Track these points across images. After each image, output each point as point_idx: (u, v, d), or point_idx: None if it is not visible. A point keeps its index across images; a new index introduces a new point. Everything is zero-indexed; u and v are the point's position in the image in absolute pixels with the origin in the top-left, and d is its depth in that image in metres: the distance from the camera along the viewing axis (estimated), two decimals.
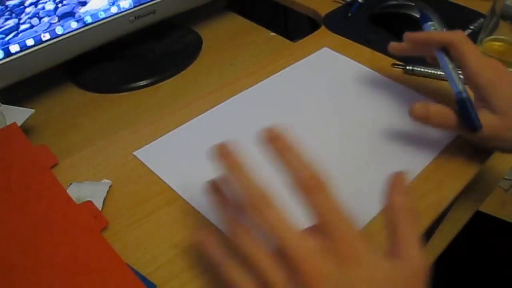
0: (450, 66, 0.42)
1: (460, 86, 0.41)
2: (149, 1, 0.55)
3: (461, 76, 0.42)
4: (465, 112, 0.40)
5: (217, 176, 0.31)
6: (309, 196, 0.26)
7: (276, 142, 0.29)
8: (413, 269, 0.26)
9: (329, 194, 0.27)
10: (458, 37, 0.41)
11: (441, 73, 0.53)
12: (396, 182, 0.30)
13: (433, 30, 0.46)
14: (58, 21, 0.49)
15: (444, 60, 0.43)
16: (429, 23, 0.46)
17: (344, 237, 0.25)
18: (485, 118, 0.39)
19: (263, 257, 0.26)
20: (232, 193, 0.29)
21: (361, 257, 0.25)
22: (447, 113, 0.41)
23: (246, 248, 0.27)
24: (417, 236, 0.28)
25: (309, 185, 0.27)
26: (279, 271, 0.25)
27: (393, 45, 0.48)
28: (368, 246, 0.26)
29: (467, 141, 0.44)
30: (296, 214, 0.26)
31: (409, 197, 0.29)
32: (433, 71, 0.53)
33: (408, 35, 0.45)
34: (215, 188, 0.31)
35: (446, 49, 0.43)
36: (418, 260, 0.27)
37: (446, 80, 0.49)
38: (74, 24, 0.50)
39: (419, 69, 0.53)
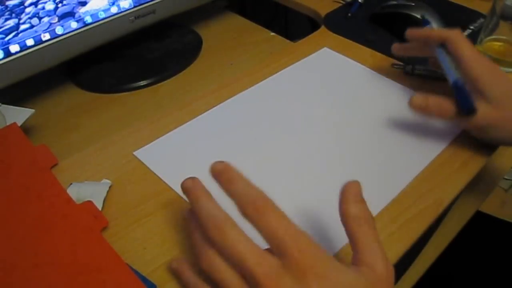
0: (447, 58, 0.45)
1: (456, 74, 0.43)
2: (149, 1, 0.55)
3: (454, 66, 0.44)
4: (460, 96, 0.42)
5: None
6: (256, 219, 0.27)
7: (221, 176, 0.30)
8: (377, 275, 0.27)
9: (276, 213, 0.27)
10: (454, 34, 0.44)
11: (441, 73, 0.53)
12: (348, 191, 0.30)
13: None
14: (58, 21, 0.49)
15: (442, 53, 0.45)
16: (429, 25, 0.49)
17: (298, 252, 0.26)
18: (481, 107, 0.41)
19: (229, 277, 0.27)
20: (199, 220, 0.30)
21: (318, 268, 0.26)
22: (445, 103, 0.43)
23: (212, 270, 0.28)
24: (377, 242, 0.28)
25: (254, 208, 0.27)
26: None
27: (396, 46, 0.51)
28: (326, 256, 0.27)
29: (468, 141, 0.44)
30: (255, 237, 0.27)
31: (364, 205, 0.30)
32: (433, 71, 0.53)
33: (409, 31, 0.48)
34: (191, 216, 0.32)
35: (444, 45, 0.45)
36: (381, 266, 0.27)
37: (445, 80, 0.49)
38: (74, 24, 0.50)
39: (419, 69, 0.53)
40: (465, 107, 0.41)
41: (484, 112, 0.41)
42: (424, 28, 0.48)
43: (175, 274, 0.33)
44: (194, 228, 0.31)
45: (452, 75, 0.44)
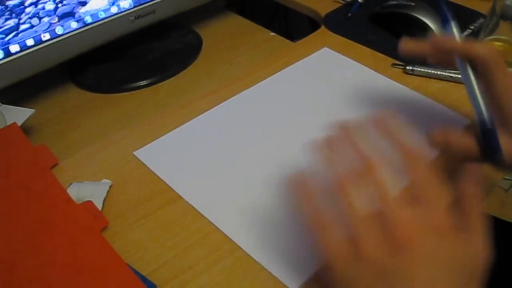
0: (475, 84, 0.38)
1: (486, 114, 0.37)
2: (149, 1, 0.55)
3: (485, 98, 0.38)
4: (488, 145, 0.37)
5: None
6: (411, 168, 0.30)
7: (385, 126, 0.33)
8: (481, 255, 0.29)
9: (427, 168, 0.30)
10: (488, 52, 0.37)
11: (441, 73, 0.53)
12: (472, 171, 0.32)
13: (459, 37, 0.40)
14: (58, 21, 0.49)
15: (469, 75, 0.38)
16: (451, 23, 0.40)
17: (436, 209, 0.28)
18: (507, 144, 0.37)
19: (361, 215, 0.28)
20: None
21: (448, 231, 0.27)
22: (468, 144, 0.39)
23: (346, 201, 0.29)
24: (484, 225, 0.30)
25: (412, 158, 0.30)
26: (373, 230, 0.27)
27: (405, 44, 0.43)
28: (453, 221, 0.28)
29: None
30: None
31: (481, 188, 0.31)
32: (433, 71, 0.53)
33: (433, 40, 0.41)
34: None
35: (470, 60, 0.38)
36: (486, 246, 0.29)
37: (447, 80, 0.49)
38: (74, 24, 0.50)
39: (419, 69, 0.53)
40: (494, 157, 0.37)
41: (507, 147, 0.37)
42: (450, 38, 0.40)
43: (295, 189, 0.32)
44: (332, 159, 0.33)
45: (480, 110, 0.37)
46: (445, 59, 0.41)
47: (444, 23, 0.41)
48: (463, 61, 0.38)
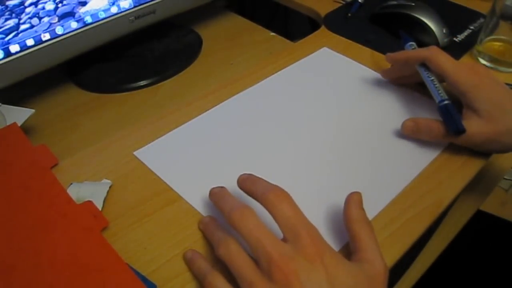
0: (431, 78, 0.45)
1: (441, 95, 0.43)
2: (149, 1, 0.55)
3: (439, 86, 0.44)
4: (446, 117, 0.42)
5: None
6: (276, 205, 0.31)
7: (245, 182, 0.35)
8: (376, 271, 0.30)
9: (292, 204, 0.31)
10: (432, 51, 0.45)
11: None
12: (352, 198, 0.34)
13: (411, 49, 0.49)
14: (58, 21, 0.49)
15: (424, 72, 0.46)
16: (409, 43, 0.50)
17: (310, 239, 0.29)
18: (474, 123, 0.41)
19: (244, 263, 0.30)
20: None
21: (326, 256, 0.29)
22: (434, 124, 0.43)
23: (229, 256, 0.31)
24: (377, 243, 0.32)
25: (274, 195, 0.31)
26: (258, 273, 0.29)
27: (383, 72, 0.53)
28: (331, 248, 0.30)
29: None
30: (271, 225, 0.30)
31: (364, 212, 0.34)
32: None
33: (387, 56, 0.50)
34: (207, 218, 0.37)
35: (425, 64, 0.46)
36: (380, 263, 0.30)
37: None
38: (74, 24, 0.50)
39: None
40: (452, 129, 0.41)
41: (476, 128, 0.41)
42: (402, 51, 0.49)
43: (188, 262, 0.34)
44: (209, 221, 0.36)
45: (436, 95, 0.44)
46: (408, 72, 0.49)
47: (404, 43, 0.51)
48: (418, 65, 0.46)
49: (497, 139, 0.40)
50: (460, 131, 0.40)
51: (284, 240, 0.30)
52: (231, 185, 0.40)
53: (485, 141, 0.41)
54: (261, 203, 0.32)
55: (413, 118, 0.45)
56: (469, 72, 0.42)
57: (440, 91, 0.44)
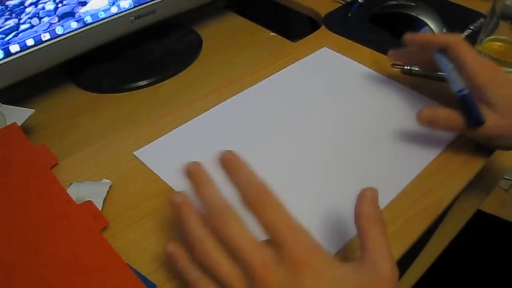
0: (450, 66, 0.44)
1: (461, 84, 0.43)
2: (149, 1, 0.55)
3: (458, 75, 0.43)
4: (467, 108, 0.41)
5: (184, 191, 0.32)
6: (257, 209, 0.28)
7: (228, 164, 0.31)
8: (379, 274, 0.27)
9: (277, 205, 0.28)
10: (455, 39, 0.43)
11: (439, 73, 0.53)
12: (366, 194, 0.31)
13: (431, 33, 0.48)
14: (58, 21, 0.49)
15: (444, 60, 0.44)
16: (426, 27, 0.49)
17: (295, 245, 0.27)
18: (488, 116, 0.40)
19: (225, 267, 0.28)
20: (198, 208, 0.31)
21: (313, 263, 0.26)
22: (453, 115, 0.42)
23: (208, 260, 0.28)
24: (387, 243, 0.29)
25: (256, 198, 0.28)
26: (239, 279, 0.27)
27: (392, 52, 0.50)
28: (322, 251, 0.27)
29: (468, 141, 0.44)
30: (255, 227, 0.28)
31: (379, 209, 0.30)
32: (431, 72, 0.53)
33: (409, 36, 0.47)
34: (185, 200, 0.32)
35: (444, 51, 0.44)
36: (386, 265, 0.27)
37: (444, 81, 0.49)
38: (74, 24, 0.50)
39: (417, 69, 0.53)
40: (473, 120, 0.40)
41: (491, 122, 0.40)
42: (423, 33, 0.48)
43: (170, 258, 0.31)
44: (189, 213, 0.31)
45: (456, 84, 0.43)
46: (422, 57, 0.48)
47: (420, 27, 0.50)
48: (437, 52, 0.45)
49: (507, 133, 0.40)
50: (480, 122, 0.40)
51: (269, 244, 0.28)
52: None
53: (498, 135, 0.41)
54: (241, 201, 0.29)
55: (431, 107, 0.44)
56: (487, 67, 0.42)
57: (459, 80, 0.43)
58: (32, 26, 0.47)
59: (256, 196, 0.28)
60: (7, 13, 0.45)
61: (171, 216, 0.38)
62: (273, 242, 0.27)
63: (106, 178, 0.41)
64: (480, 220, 0.67)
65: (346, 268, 0.27)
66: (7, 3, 0.44)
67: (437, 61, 0.45)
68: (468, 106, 0.41)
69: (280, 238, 0.27)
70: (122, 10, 0.54)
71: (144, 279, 0.33)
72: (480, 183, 0.61)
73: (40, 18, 0.47)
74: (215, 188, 0.30)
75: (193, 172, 0.32)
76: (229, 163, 0.31)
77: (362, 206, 0.30)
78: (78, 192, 0.39)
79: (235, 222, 0.28)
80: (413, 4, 0.60)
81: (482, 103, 0.41)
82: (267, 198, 0.28)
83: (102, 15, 0.52)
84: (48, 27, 0.48)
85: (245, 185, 0.29)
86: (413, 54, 0.49)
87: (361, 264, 0.28)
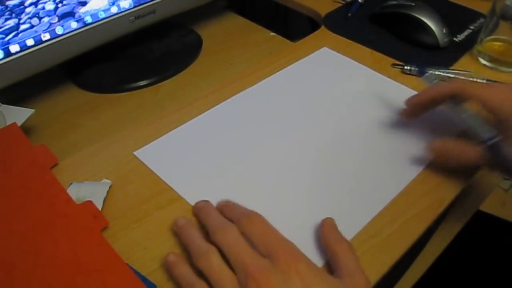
0: (469, 113, 0.41)
1: (488, 132, 0.39)
2: (149, 1, 0.55)
3: (481, 121, 0.40)
4: (501, 158, 0.38)
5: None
6: (249, 227, 0.33)
7: (223, 208, 0.37)
8: (358, 285, 0.30)
9: (264, 223, 0.33)
10: (460, 84, 0.41)
11: (439, 73, 0.53)
12: (326, 223, 0.36)
13: (435, 83, 0.46)
14: (58, 21, 0.49)
15: (459, 110, 0.41)
16: (428, 72, 0.46)
17: (283, 253, 0.30)
18: (508, 150, 0.38)
19: (224, 274, 0.30)
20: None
21: (301, 267, 0.30)
22: (469, 151, 0.40)
23: (209, 267, 0.31)
24: (357, 260, 0.32)
25: (247, 220, 0.33)
26: (234, 283, 0.30)
27: (405, 113, 0.46)
28: (307, 259, 0.31)
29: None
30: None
31: (339, 232, 0.35)
32: (431, 72, 0.53)
33: (410, 100, 0.44)
34: (187, 222, 0.36)
35: (454, 98, 0.41)
36: (361, 277, 0.31)
37: (444, 81, 0.49)
38: (74, 24, 0.50)
39: (417, 69, 0.53)
40: (509, 171, 0.38)
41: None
42: (423, 92, 0.44)
43: (170, 266, 0.33)
44: (191, 230, 0.35)
45: (481, 133, 0.39)
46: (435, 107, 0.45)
47: (421, 74, 0.48)
48: (450, 101, 0.42)
49: None
50: None
51: (261, 254, 0.31)
52: (231, 185, 0.41)
53: None
54: (238, 228, 0.33)
55: (442, 140, 0.42)
56: (506, 97, 0.39)
57: (485, 127, 0.39)
58: (32, 26, 0.47)
59: (247, 218, 0.33)
60: (7, 13, 0.45)
61: (171, 216, 0.38)
62: (265, 252, 0.31)
63: (106, 178, 0.41)
64: (480, 220, 0.67)
65: (328, 275, 0.31)
66: (7, 3, 0.44)
67: (452, 112, 0.42)
68: (499, 154, 0.38)
69: (270, 247, 0.31)
70: (122, 10, 0.54)
71: (144, 279, 0.33)
72: (480, 183, 0.61)
73: (40, 18, 0.47)
74: (217, 213, 0.36)
75: (199, 207, 0.37)
76: (226, 206, 0.37)
77: (327, 233, 0.35)
78: (78, 192, 0.39)
79: (233, 234, 0.32)
80: (413, 4, 0.60)
81: (502, 134, 0.39)
82: (255, 218, 0.33)
83: (102, 15, 0.52)
84: (48, 27, 0.48)
85: (236, 213, 0.35)
86: (423, 110, 0.45)
87: (341, 280, 0.31)
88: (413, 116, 0.46)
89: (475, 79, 0.52)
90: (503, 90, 0.40)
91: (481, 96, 0.39)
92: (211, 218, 0.35)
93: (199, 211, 0.37)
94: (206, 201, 0.38)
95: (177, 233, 0.36)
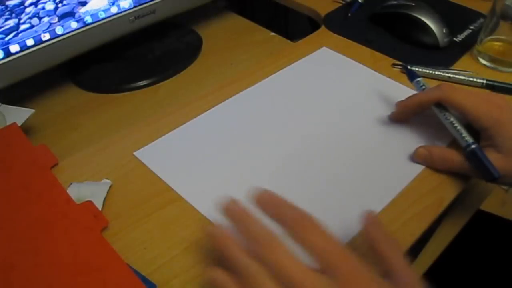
0: (449, 120, 0.43)
1: (465, 139, 0.41)
2: (149, 1, 0.55)
3: (461, 128, 0.42)
4: (477, 163, 0.40)
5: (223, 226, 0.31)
6: (304, 237, 0.28)
7: (266, 203, 0.31)
8: (408, 285, 0.28)
9: (322, 231, 0.29)
10: (444, 91, 0.42)
11: (439, 73, 0.53)
12: (368, 217, 0.32)
13: (422, 89, 0.47)
14: (58, 21, 0.49)
15: (442, 116, 0.43)
16: (416, 79, 0.47)
17: (346, 268, 0.27)
18: (493, 158, 0.39)
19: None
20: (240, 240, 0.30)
21: (366, 286, 0.27)
22: (452, 157, 0.41)
23: (256, 285, 0.27)
24: (403, 256, 0.29)
25: (301, 227, 0.28)
26: None
27: (394, 116, 0.47)
28: (371, 274, 0.27)
29: None
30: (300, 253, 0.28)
31: (383, 227, 0.31)
32: (431, 71, 0.53)
33: (399, 104, 0.47)
34: (223, 231, 0.31)
35: (440, 103, 0.43)
36: (411, 276, 0.28)
37: (444, 81, 0.49)
38: (74, 24, 0.50)
39: (417, 69, 0.53)
40: (487, 175, 0.39)
41: (496, 163, 0.39)
42: (411, 97, 0.46)
43: (215, 283, 0.29)
44: (230, 243, 0.30)
45: (461, 140, 0.41)
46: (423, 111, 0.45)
47: (411, 79, 0.48)
48: (435, 106, 0.44)
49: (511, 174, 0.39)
50: (496, 177, 0.38)
51: (320, 272, 0.27)
52: (232, 184, 0.41)
53: (504, 175, 0.39)
54: (288, 234, 0.29)
55: (427, 146, 0.43)
56: (489, 106, 0.40)
57: (463, 134, 0.41)
58: (32, 26, 0.47)
59: (301, 225, 0.29)
60: (7, 13, 0.45)
61: (171, 216, 0.38)
62: (325, 267, 0.27)
63: (106, 178, 0.41)
64: (480, 219, 0.67)
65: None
66: (7, 3, 0.44)
67: (438, 116, 0.44)
68: (480, 161, 0.39)
69: (332, 262, 0.27)
70: (122, 10, 0.54)
71: (144, 279, 0.33)
72: (480, 183, 0.61)
73: (40, 18, 0.47)
74: (257, 220, 0.30)
75: (231, 209, 0.32)
76: (268, 201, 0.31)
77: (373, 232, 0.31)
78: (78, 192, 0.39)
79: (281, 249, 0.28)
80: (413, 4, 0.60)
81: (486, 142, 0.40)
82: (312, 225, 0.29)
83: (102, 15, 0.52)
84: (48, 27, 0.48)
85: (288, 217, 0.29)
86: (411, 113, 0.46)
87: (395, 284, 0.28)
88: (402, 118, 0.47)
89: (475, 79, 0.52)
90: (487, 99, 0.41)
91: (465, 106, 0.41)
92: (250, 227, 0.30)
93: (231, 214, 0.31)
94: (235, 200, 0.32)
95: (211, 244, 0.31)
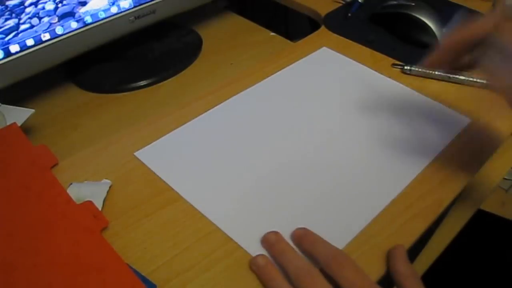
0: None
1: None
2: (149, 1, 0.55)
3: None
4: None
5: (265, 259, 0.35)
6: (339, 272, 0.31)
7: (303, 240, 0.35)
8: None
9: (354, 266, 0.32)
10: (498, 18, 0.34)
11: (440, 73, 0.53)
12: (397, 252, 0.34)
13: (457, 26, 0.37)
14: (58, 21, 0.49)
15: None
16: (456, 18, 0.45)
17: None
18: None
19: None
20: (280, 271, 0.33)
21: None
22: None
23: None
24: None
25: (336, 263, 0.32)
26: None
27: (430, 60, 0.38)
28: None
29: (468, 140, 0.44)
30: None
31: (411, 265, 0.33)
32: (430, 71, 0.53)
33: (445, 41, 0.37)
34: (268, 262, 0.34)
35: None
36: None
37: (445, 80, 0.49)
38: (74, 24, 0.50)
39: (417, 69, 0.53)
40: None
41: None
42: (458, 31, 0.36)
43: (262, 272, 0.33)
44: (275, 274, 0.33)
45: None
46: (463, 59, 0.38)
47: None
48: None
49: None
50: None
51: None
52: (232, 185, 0.41)
53: None
54: (324, 269, 0.32)
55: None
56: None
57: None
58: (32, 26, 0.47)
59: (336, 261, 0.32)
60: (7, 13, 0.45)
61: (171, 216, 0.38)
62: None
63: (106, 178, 0.41)
64: (480, 219, 0.67)
65: None
66: (7, 3, 0.44)
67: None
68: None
69: None
70: (122, 10, 0.54)
71: (144, 279, 0.33)
72: (480, 183, 0.61)
73: (40, 18, 0.47)
74: (296, 253, 0.34)
75: (272, 242, 0.35)
76: (304, 239, 0.35)
77: (399, 266, 0.33)
78: (78, 192, 0.39)
79: (320, 281, 0.31)
80: (413, 4, 0.60)
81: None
82: (345, 261, 0.32)
83: (102, 15, 0.52)
84: (48, 27, 0.48)
85: (324, 254, 0.33)
86: (451, 55, 0.37)
87: None
88: (441, 61, 0.38)
89: (475, 79, 0.52)
90: None
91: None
92: (289, 260, 0.33)
93: (273, 248, 0.34)
94: (276, 232, 0.35)
95: (256, 273, 0.34)
